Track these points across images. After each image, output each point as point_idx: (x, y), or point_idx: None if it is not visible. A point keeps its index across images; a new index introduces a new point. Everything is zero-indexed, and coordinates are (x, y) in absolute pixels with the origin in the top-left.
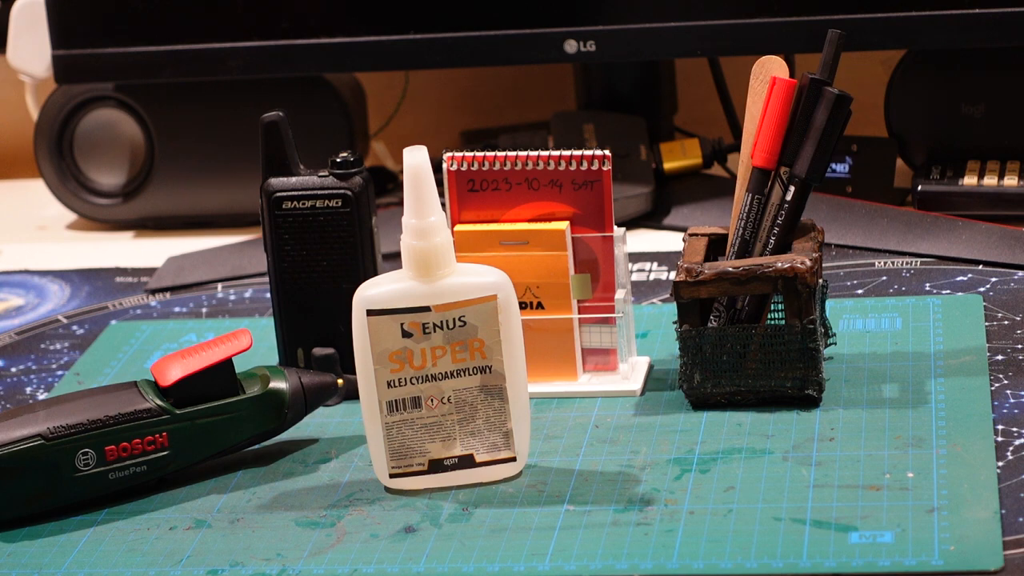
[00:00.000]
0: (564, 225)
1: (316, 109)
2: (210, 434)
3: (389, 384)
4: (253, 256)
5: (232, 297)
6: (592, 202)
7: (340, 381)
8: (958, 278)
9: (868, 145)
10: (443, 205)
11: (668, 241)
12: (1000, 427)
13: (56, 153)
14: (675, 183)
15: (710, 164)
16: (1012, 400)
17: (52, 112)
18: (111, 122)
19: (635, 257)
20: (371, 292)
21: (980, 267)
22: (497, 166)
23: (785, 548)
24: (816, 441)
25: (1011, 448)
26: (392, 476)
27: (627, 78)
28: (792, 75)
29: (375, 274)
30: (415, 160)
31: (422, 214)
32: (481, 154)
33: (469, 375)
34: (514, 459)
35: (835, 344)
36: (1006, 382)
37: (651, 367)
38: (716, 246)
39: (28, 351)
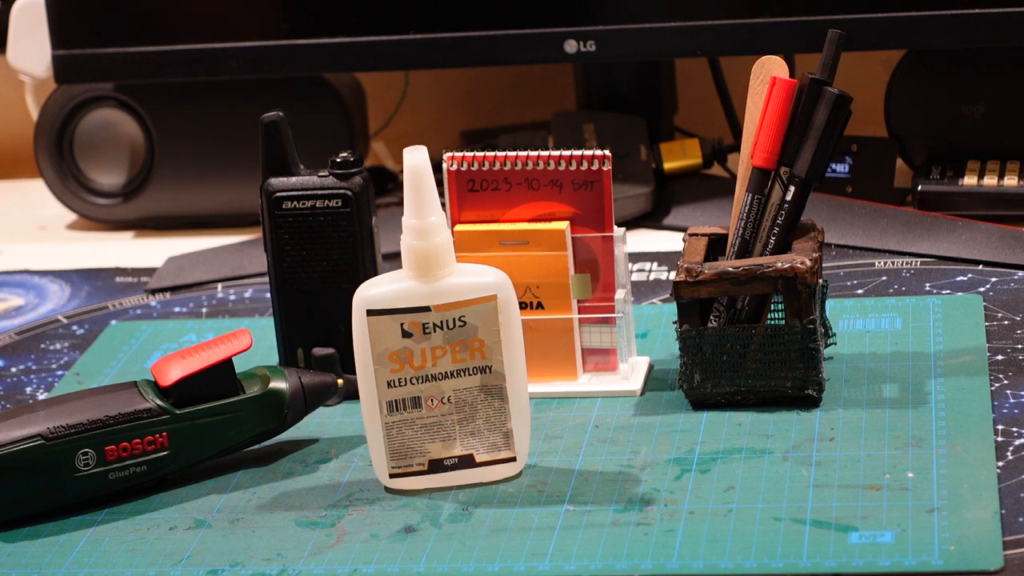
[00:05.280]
0: (564, 225)
1: (316, 109)
2: (210, 434)
3: (389, 384)
4: (253, 256)
5: (232, 297)
6: (592, 202)
7: (340, 381)
8: (958, 278)
9: (868, 145)
10: (443, 205)
11: (668, 241)
12: (1000, 427)
13: (56, 153)
14: (675, 183)
15: (710, 164)
16: (1012, 400)
17: (52, 112)
18: (111, 122)
19: (635, 257)
20: (371, 292)
21: (980, 267)
22: (497, 166)
23: (785, 548)
24: (816, 441)
25: (1011, 448)
26: (392, 476)
27: (627, 78)
28: (792, 75)
29: (375, 274)
30: (415, 160)
31: (422, 214)
32: (481, 154)
33: (469, 375)
34: (514, 459)
35: (835, 344)
36: (1006, 382)
37: (651, 367)
38: (716, 246)
39: (28, 351)
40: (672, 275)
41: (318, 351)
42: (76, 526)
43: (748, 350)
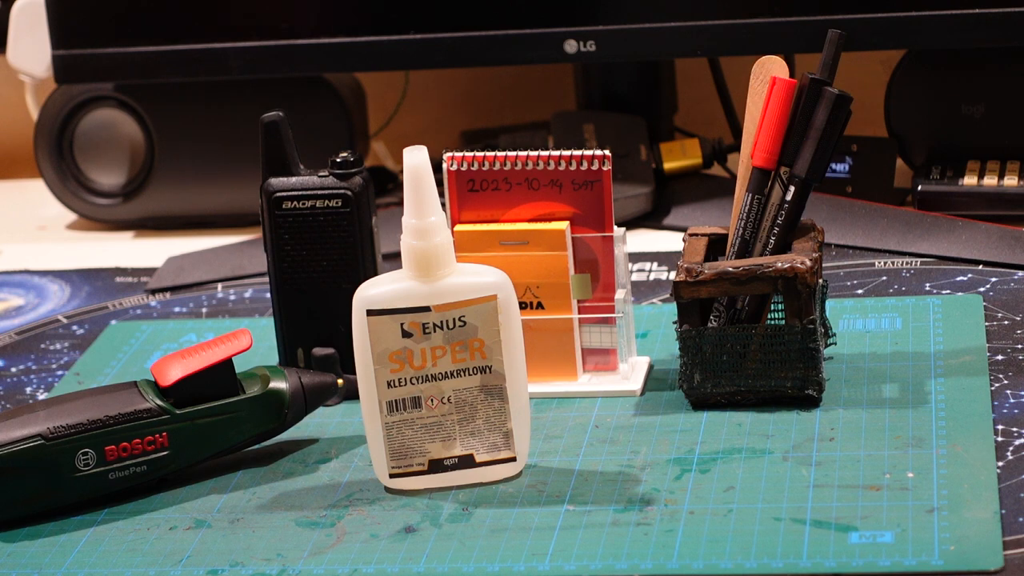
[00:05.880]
0: (564, 225)
1: (316, 109)
2: (210, 434)
3: (389, 384)
4: (253, 256)
5: (232, 297)
6: (592, 202)
7: (340, 381)
8: (958, 278)
9: (868, 145)
10: (443, 205)
11: (668, 241)
12: (1000, 427)
13: (56, 153)
14: (675, 183)
15: (710, 164)
16: (1012, 400)
17: (52, 112)
18: (111, 122)
19: (635, 257)
20: (371, 292)
21: (980, 267)
22: (497, 166)
23: (785, 548)
24: (816, 441)
25: (1011, 448)
26: (392, 476)
27: (627, 78)
28: (792, 75)
29: (375, 274)
30: (415, 160)
31: (422, 214)
32: (481, 154)
33: (469, 375)
34: (514, 459)
35: (835, 344)
36: (1006, 382)
37: (651, 367)
38: (716, 246)
39: (28, 351)
40: (672, 275)
41: (318, 351)
42: (76, 526)
43: (748, 350)
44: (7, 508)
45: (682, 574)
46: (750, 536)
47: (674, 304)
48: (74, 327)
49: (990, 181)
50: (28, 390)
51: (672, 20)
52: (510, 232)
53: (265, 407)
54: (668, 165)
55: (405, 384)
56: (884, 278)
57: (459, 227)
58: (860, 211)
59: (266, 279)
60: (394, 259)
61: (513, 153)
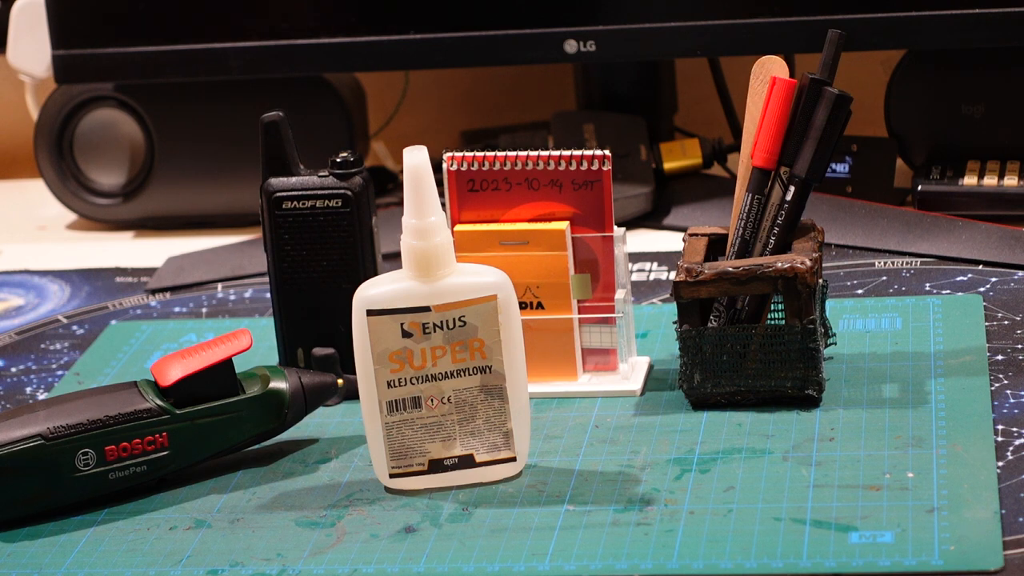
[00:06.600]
0: (564, 225)
1: (316, 109)
2: (210, 434)
3: (389, 384)
4: (253, 256)
5: (232, 297)
6: (592, 202)
7: (340, 381)
8: (958, 278)
9: (868, 145)
10: (443, 205)
11: (668, 241)
12: (1000, 427)
13: (56, 153)
14: (675, 183)
15: (710, 164)
16: (1012, 400)
17: (52, 112)
18: (111, 122)
19: (635, 257)
20: (371, 292)
21: (980, 267)
22: (497, 166)
23: (785, 548)
24: (816, 441)
25: (1011, 448)
26: (392, 476)
27: (627, 78)
28: (792, 75)
29: (375, 274)
30: (415, 160)
31: (422, 214)
32: (481, 154)
33: (469, 375)
34: (514, 459)
35: (835, 344)
36: (1006, 382)
37: (651, 367)
38: (716, 246)
39: (28, 351)
40: (672, 275)
41: (318, 351)
42: (76, 526)
43: (748, 350)
44: (7, 508)
45: (682, 574)
46: (750, 536)
47: (674, 304)
48: (74, 327)
49: (990, 181)
50: (28, 390)
51: (672, 20)
52: (510, 232)
53: (265, 407)
54: (668, 165)
55: (405, 384)
56: (884, 278)
57: (459, 227)
58: (860, 211)
59: (266, 279)
60: (394, 259)
61: (513, 153)
